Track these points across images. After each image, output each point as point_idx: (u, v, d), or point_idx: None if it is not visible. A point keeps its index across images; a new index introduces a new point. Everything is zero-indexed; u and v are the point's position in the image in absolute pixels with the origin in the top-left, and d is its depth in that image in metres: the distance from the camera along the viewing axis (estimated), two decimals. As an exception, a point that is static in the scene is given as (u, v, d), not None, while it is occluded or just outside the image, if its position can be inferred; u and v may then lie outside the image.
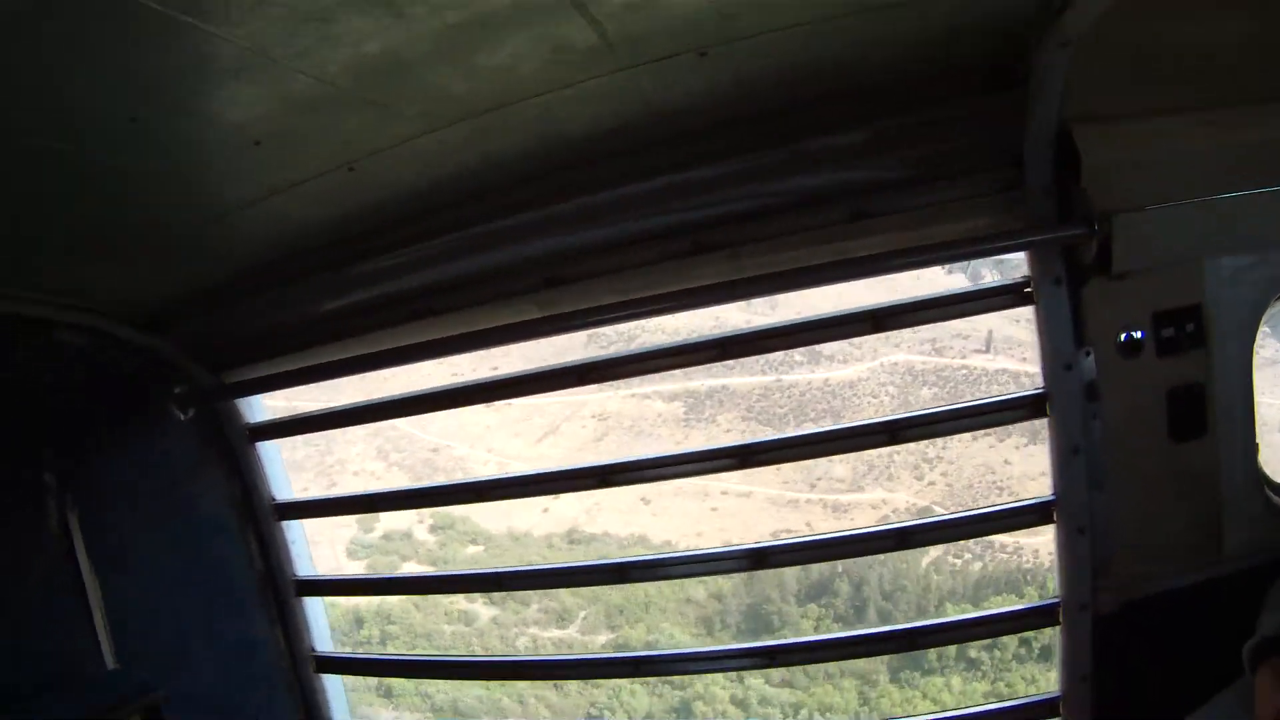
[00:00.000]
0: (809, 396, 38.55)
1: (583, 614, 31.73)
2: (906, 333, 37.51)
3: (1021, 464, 33.74)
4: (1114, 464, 2.64)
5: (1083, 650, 2.78)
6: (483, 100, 2.27)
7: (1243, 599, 2.42)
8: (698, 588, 31.97)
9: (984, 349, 38.13)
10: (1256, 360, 2.69)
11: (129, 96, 1.95)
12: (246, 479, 3.53)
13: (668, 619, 31.44)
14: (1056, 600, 2.81)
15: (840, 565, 30.75)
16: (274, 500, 3.55)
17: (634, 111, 2.46)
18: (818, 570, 31.09)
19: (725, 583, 31.71)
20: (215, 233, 2.80)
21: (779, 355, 38.31)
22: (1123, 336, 2.57)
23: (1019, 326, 37.20)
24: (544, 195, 2.77)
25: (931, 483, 34.42)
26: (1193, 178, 2.44)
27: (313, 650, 3.66)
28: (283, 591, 3.59)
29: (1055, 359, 2.61)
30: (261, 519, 3.55)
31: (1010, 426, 33.18)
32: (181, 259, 2.98)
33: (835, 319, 2.88)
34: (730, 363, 37.21)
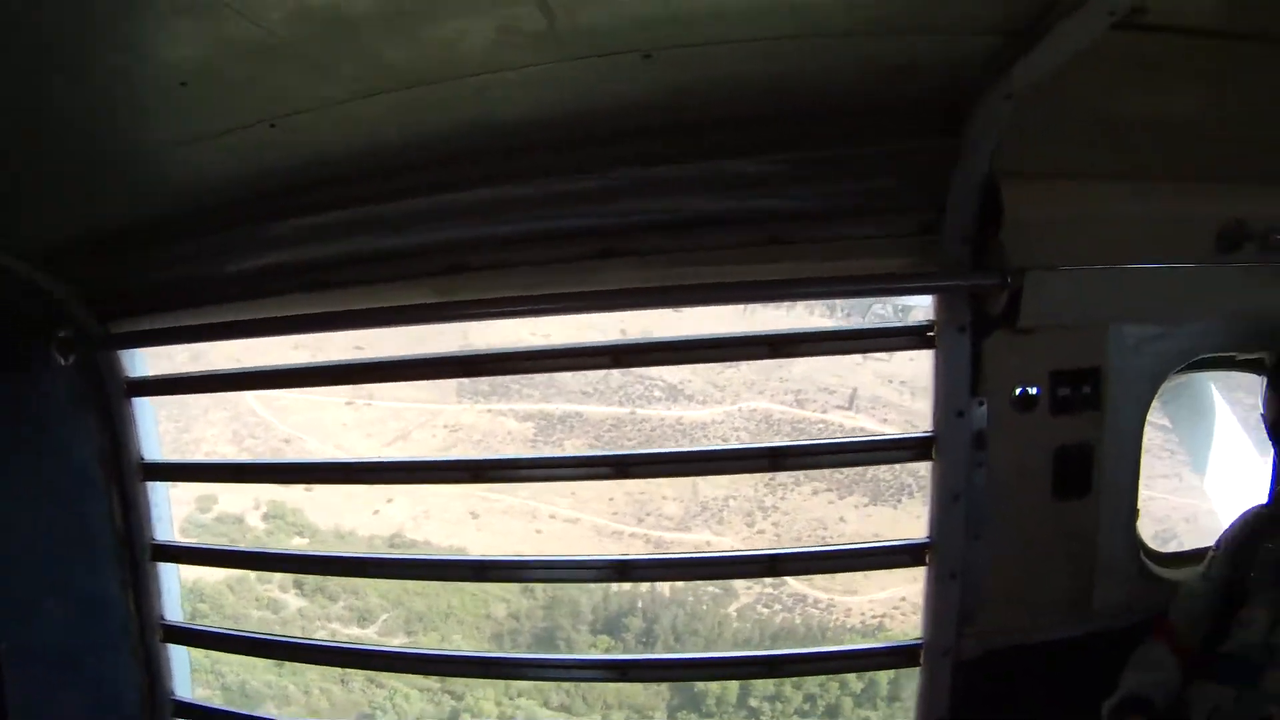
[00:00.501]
0: (659, 433, 38.05)
1: (384, 616, 31.47)
2: (773, 381, 38.35)
3: (857, 523, 34.05)
4: (994, 515, 2.69)
5: (941, 694, 2.81)
6: (418, 72, 2.20)
7: (1107, 658, 2.47)
8: (499, 605, 31.92)
9: (847, 406, 38.99)
10: (1146, 429, 2.75)
11: (71, 24, 1.84)
12: (118, 434, 3.34)
13: (463, 631, 31.33)
14: (919, 642, 2.83)
15: (640, 601, 31.27)
16: (142, 459, 3.37)
17: (569, 105, 2.42)
18: (616, 603, 31.44)
19: (525, 603, 31.87)
20: (127, 172, 2.68)
21: (639, 388, 38.44)
22: (1018, 390, 2.62)
23: (888, 387, 38.12)
24: (460, 180, 2.70)
25: (761, 531, 34.81)
26: (1109, 244, 2.51)
27: (162, 618, 3.47)
28: (139, 554, 3.40)
29: (948, 405, 2.64)
30: (127, 477, 3.36)
31: (852, 485, 34.63)
32: (87, 196, 2.81)
33: (733, 339, 2.87)
34: (588, 389, 38.04)
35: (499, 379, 37.39)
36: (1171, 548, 2.98)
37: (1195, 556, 2.76)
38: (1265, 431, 2.46)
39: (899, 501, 33.73)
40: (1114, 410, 2.64)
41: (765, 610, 32.73)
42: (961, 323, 2.59)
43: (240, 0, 1.79)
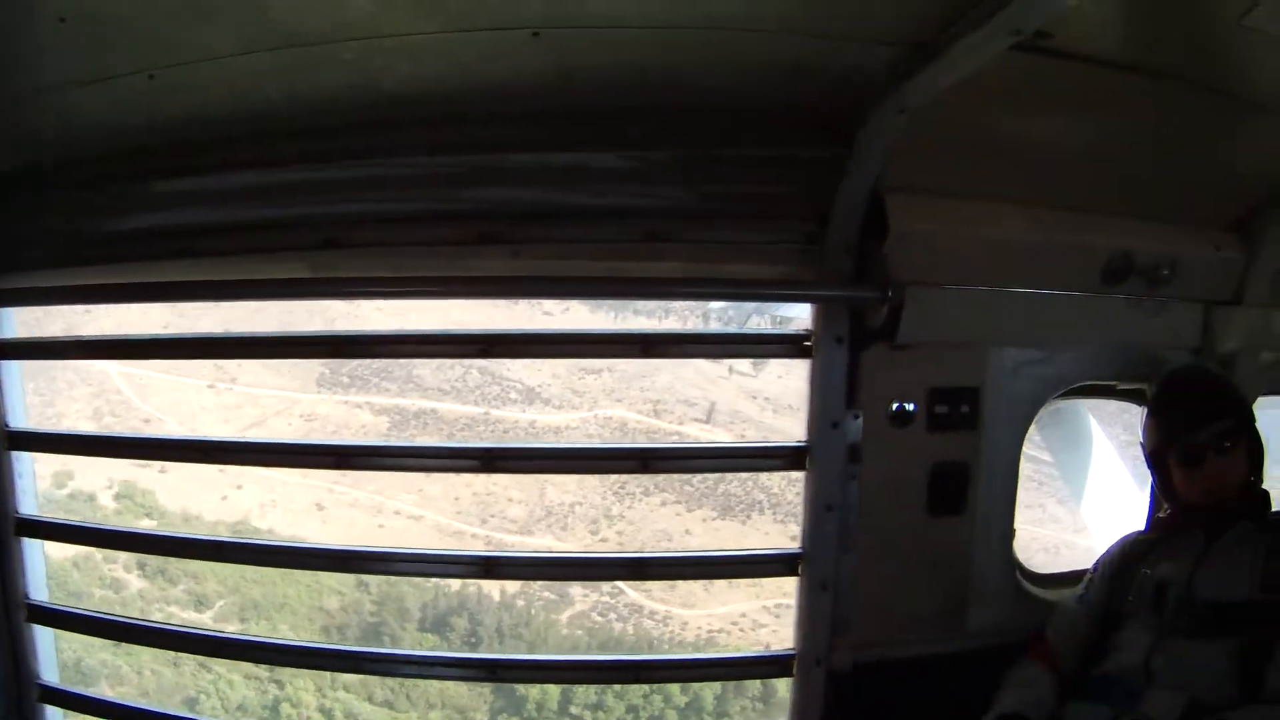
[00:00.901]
0: (513, 434, 39.35)
1: (221, 602, 31.92)
2: (634, 390, 39.65)
3: (703, 536, 34.79)
4: (867, 528, 2.68)
5: (814, 705, 2.79)
6: (300, 30, 2.14)
7: (982, 675, 2.47)
8: (333, 598, 32.46)
9: (704, 419, 39.32)
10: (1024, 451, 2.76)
11: None
12: None
13: (295, 621, 31.86)
14: (792, 651, 2.81)
15: (468, 603, 32.01)
16: (7, 427, 3.19)
17: (451, 80, 2.36)
18: (445, 603, 32.09)
19: (358, 596, 32.44)
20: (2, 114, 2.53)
21: (496, 389, 39.87)
22: (895, 406, 2.63)
23: (751, 403, 39.02)
24: (340, 152, 2.62)
25: (604, 539, 35.35)
26: (994, 265, 2.53)
27: (26, 597, 3.30)
28: (3, 528, 3.22)
29: (823, 416, 2.63)
30: None
31: (702, 498, 34.94)
32: None
33: (606, 336, 2.84)
34: (445, 386, 39.46)
35: (359, 371, 39.00)
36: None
37: (1071, 578, 2.80)
38: (1144, 460, 2.48)
39: (748, 517, 34.37)
40: (991, 431, 2.66)
41: (600, 619, 33.53)
42: (840, 334, 2.58)
43: None
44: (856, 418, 2.61)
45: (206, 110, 2.53)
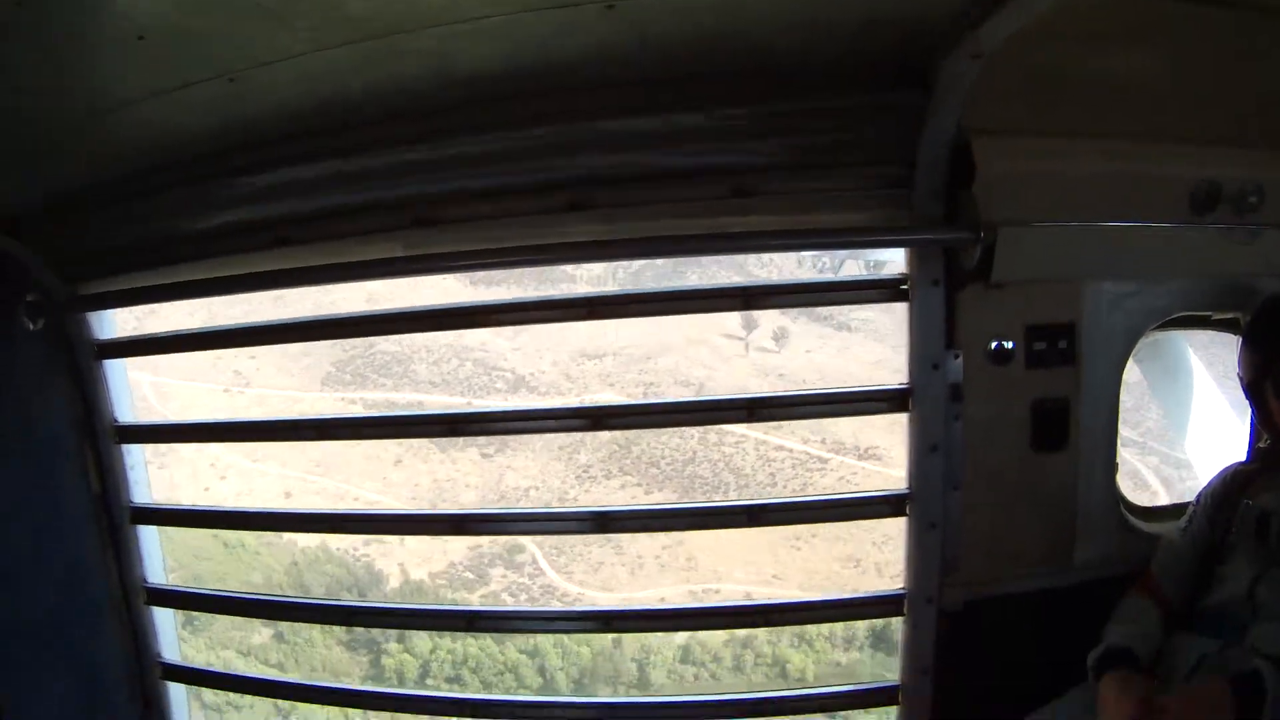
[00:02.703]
0: (484, 379, 40.54)
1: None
2: (633, 373, 39.88)
3: None
4: (972, 466, 2.69)
5: (925, 643, 2.83)
6: (376, 24, 2.15)
7: (1090, 609, 2.47)
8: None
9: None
10: (1123, 384, 2.74)
11: None
12: (89, 397, 3.30)
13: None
14: (903, 591, 2.84)
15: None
16: (115, 422, 3.33)
17: (528, 57, 2.37)
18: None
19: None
20: (86, 133, 2.61)
21: (484, 379, 40.84)
22: (993, 344, 2.62)
23: (763, 380, 38.65)
24: (424, 133, 2.66)
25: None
26: (1082, 201, 2.49)
27: (144, 581, 3.46)
28: (117, 518, 3.39)
29: (923, 357, 2.63)
30: (102, 440, 3.33)
31: (665, 481, 34.84)
32: (47, 159, 2.76)
33: (707, 291, 2.84)
34: (435, 379, 40.59)
35: (361, 369, 40.79)
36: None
37: (1175, 511, 2.78)
38: (1242, 391, 2.45)
39: (709, 499, 34.08)
40: (1090, 365, 2.64)
41: (510, 599, 33.96)
42: (935, 276, 2.59)
43: None
44: (956, 358, 2.61)
45: (288, 107, 2.58)
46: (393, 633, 28.99)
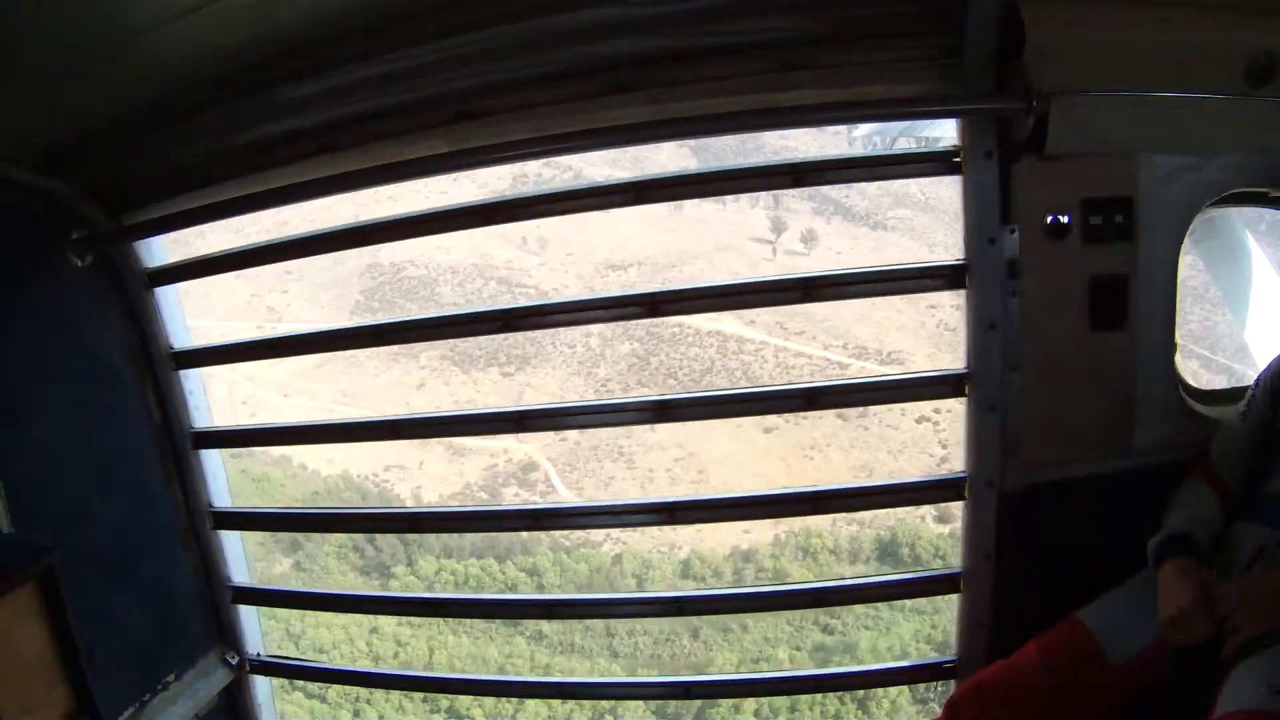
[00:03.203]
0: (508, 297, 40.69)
1: None
2: (655, 283, 39.24)
3: None
4: (1030, 345, 2.65)
5: (987, 527, 2.82)
6: None
7: (1150, 494, 2.44)
8: None
9: None
10: (1181, 262, 2.67)
11: None
12: (144, 326, 3.35)
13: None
14: (963, 475, 2.83)
15: None
16: (171, 348, 3.39)
17: None
18: None
19: None
20: (118, 58, 2.59)
21: (506, 297, 40.72)
22: (1049, 218, 2.56)
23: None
24: (458, 25, 2.61)
25: None
26: (1139, 71, 2.41)
27: (210, 505, 3.55)
28: (180, 444, 3.46)
29: (979, 232, 2.58)
30: (159, 368, 3.38)
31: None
32: (81, 89, 2.74)
33: (757, 169, 2.81)
34: (459, 300, 41.22)
35: (389, 296, 42.55)
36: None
37: (1235, 395, 2.71)
38: None
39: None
40: (1148, 241, 2.57)
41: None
42: (988, 148, 2.52)
43: None
44: (1012, 233, 2.56)
45: (316, 11, 2.55)
46: (401, 557, 30.83)
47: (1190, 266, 3.20)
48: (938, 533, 29.94)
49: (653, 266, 42.01)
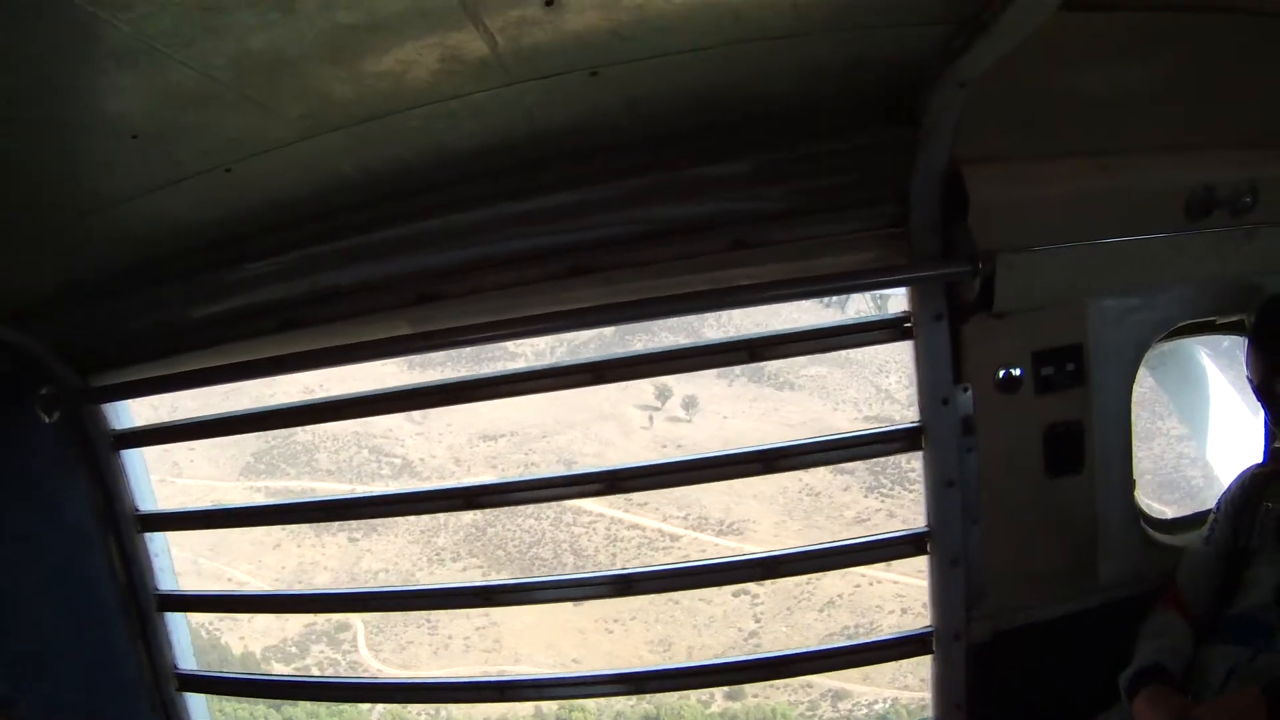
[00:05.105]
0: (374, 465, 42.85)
1: None
2: (521, 453, 42.31)
3: None
4: (989, 498, 2.67)
5: (956, 678, 2.81)
6: (365, 107, 2.17)
7: (1117, 628, 2.45)
8: None
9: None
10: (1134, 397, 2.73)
11: (3, 74, 1.79)
12: (109, 487, 3.33)
13: None
14: (930, 629, 2.83)
15: None
16: (137, 510, 3.36)
17: (518, 128, 2.39)
18: None
19: None
20: (90, 227, 2.65)
21: (373, 465, 44.05)
22: (1001, 374, 2.61)
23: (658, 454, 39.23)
24: (421, 209, 2.68)
25: None
26: (1079, 221, 2.49)
27: (175, 667, 3.48)
28: (145, 606, 3.41)
29: (933, 394, 2.63)
30: (124, 530, 3.35)
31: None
32: (53, 253, 2.80)
33: (714, 346, 2.85)
34: (332, 466, 43.99)
35: (275, 461, 44.54)
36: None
37: (1196, 521, 2.77)
38: (1252, 392, 2.43)
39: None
40: (1100, 384, 2.63)
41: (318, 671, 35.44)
42: (938, 311, 2.58)
43: (181, 50, 1.75)
44: (965, 391, 2.60)
45: (283, 193, 2.61)
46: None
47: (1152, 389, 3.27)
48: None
49: (524, 437, 43.22)
